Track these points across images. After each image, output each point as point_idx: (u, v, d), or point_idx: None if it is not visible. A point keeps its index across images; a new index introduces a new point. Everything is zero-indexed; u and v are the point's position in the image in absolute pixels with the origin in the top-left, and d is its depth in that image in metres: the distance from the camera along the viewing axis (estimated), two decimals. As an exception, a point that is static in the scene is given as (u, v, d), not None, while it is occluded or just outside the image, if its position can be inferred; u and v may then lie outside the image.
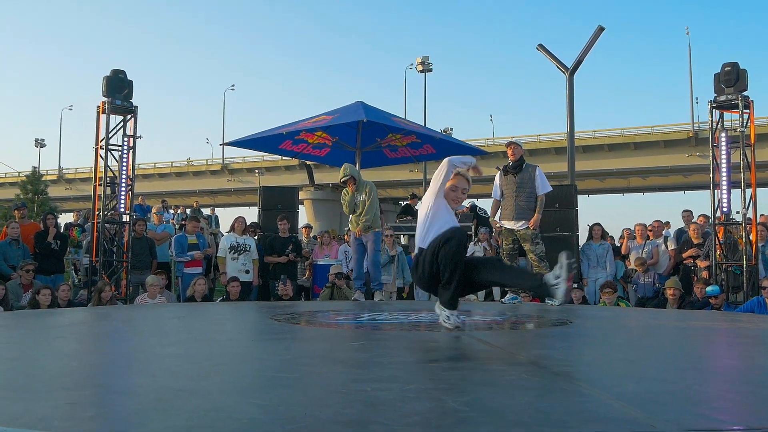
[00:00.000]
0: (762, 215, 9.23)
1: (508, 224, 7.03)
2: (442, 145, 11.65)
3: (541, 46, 14.26)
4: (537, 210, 6.94)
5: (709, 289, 7.74)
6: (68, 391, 2.19)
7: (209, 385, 2.33)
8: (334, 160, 12.86)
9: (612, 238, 11.23)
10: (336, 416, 1.86)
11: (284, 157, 19.04)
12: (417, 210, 12.67)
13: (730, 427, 1.79)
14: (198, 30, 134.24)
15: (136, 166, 9.43)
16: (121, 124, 9.00)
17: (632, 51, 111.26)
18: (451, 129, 42.18)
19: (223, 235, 11.39)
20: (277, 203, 10.69)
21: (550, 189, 7.11)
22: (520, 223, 6.98)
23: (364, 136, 11.06)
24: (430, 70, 39.75)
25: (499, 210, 7.20)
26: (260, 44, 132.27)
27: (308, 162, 38.54)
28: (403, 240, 12.02)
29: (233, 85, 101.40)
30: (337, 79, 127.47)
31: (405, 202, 13.49)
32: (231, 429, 1.71)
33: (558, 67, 13.90)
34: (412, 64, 42.00)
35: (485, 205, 12.63)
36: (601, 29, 13.56)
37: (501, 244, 7.28)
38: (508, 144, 7.35)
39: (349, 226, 7.95)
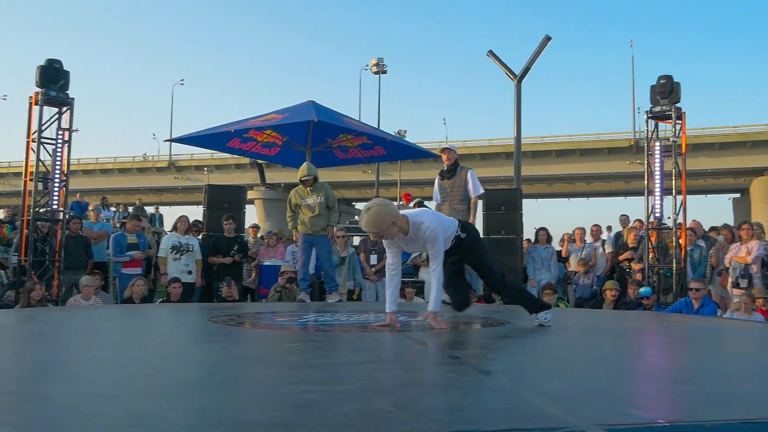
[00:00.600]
0: (693, 221, 9.62)
1: None
2: (393, 147, 11.68)
3: (491, 52, 14.45)
4: (471, 213, 7.04)
5: (641, 290, 8.05)
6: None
7: (133, 389, 2.27)
8: (283, 160, 12.75)
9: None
10: (261, 419, 1.84)
11: (235, 156, 18.79)
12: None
13: (642, 422, 1.84)
14: (146, 22, 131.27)
15: (76, 161, 9.16)
16: (56, 116, 8.69)
17: (580, 60, 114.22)
18: (405, 131, 42.32)
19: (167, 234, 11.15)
20: (224, 202, 10.50)
21: (482, 191, 7.24)
22: None
23: (315, 136, 11.00)
24: (385, 72, 39.89)
25: None
26: (212, 39, 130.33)
27: (259, 161, 38.18)
28: (355, 241, 12.03)
29: (182, 80, 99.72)
30: (291, 79, 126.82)
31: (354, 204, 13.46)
32: (148, 434, 1.67)
33: (507, 73, 14.12)
34: (367, 65, 42.09)
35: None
36: (548, 39, 13.83)
37: None
38: (443, 150, 7.49)
39: (296, 226, 7.88)
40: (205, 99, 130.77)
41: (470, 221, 6.98)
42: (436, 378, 2.56)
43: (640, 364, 3.28)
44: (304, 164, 7.75)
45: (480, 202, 7.73)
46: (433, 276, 4.05)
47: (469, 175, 7.21)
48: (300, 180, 7.68)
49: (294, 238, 7.85)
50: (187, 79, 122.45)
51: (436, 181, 7.50)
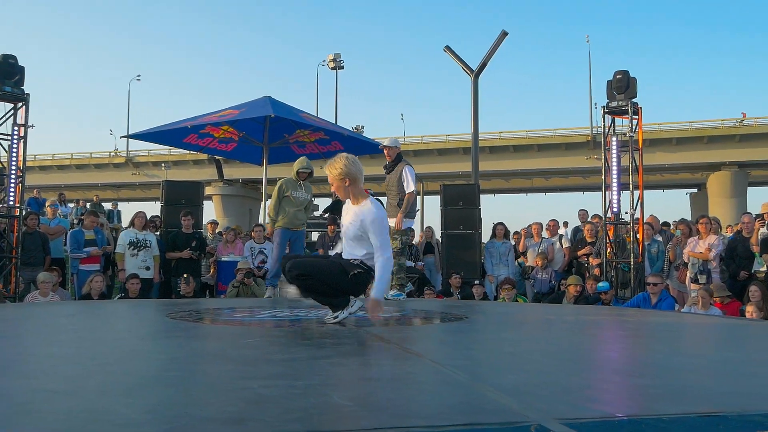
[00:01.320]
0: (650, 216, 9.82)
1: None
2: (350, 142, 11.68)
3: (447, 47, 14.51)
4: (401, 209, 7.02)
5: (599, 285, 8.18)
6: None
7: (88, 385, 2.24)
8: (240, 155, 12.64)
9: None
10: (216, 414, 1.84)
11: (192, 152, 18.53)
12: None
13: (599, 415, 1.89)
14: (102, 17, 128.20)
15: (33, 156, 8.95)
16: (11, 112, 8.50)
17: (537, 56, 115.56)
18: (363, 126, 42.36)
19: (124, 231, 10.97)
20: (181, 198, 10.39)
21: (413, 189, 7.24)
22: (391, 221, 7.20)
23: (272, 132, 10.94)
24: (342, 67, 39.82)
25: None
26: (168, 35, 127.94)
27: (217, 156, 37.72)
28: (314, 237, 12.00)
29: (139, 76, 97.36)
30: (247, 74, 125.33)
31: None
32: (103, 431, 1.66)
33: (463, 68, 14.21)
34: (324, 61, 41.97)
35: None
36: (505, 34, 13.95)
37: None
38: (383, 146, 7.53)
39: (278, 220, 7.74)
40: (162, 95, 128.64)
41: (398, 217, 6.96)
42: (394, 373, 2.58)
43: (598, 358, 3.35)
44: (303, 157, 7.88)
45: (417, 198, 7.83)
46: (382, 265, 3.97)
47: (405, 170, 7.20)
48: (297, 171, 7.71)
49: (269, 233, 7.78)
50: (143, 75, 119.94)
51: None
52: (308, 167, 7.76)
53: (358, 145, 12.25)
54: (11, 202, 8.47)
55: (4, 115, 8.51)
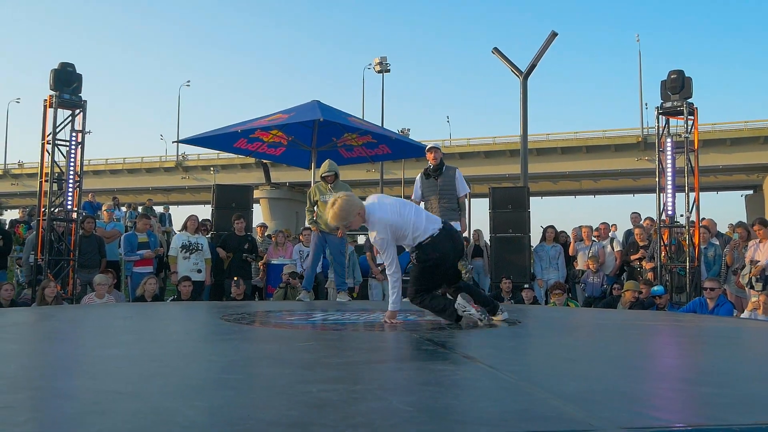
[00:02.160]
0: (704, 219, 9.54)
1: None
2: (397, 146, 11.69)
3: (496, 49, 14.41)
4: (462, 214, 7.10)
5: (654, 288, 7.96)
6: (2, 395, 2.12)
7: (151, 387, 2.29)
8: (289, 159, 12.79)
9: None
10: (279, 418, 1.85)
11: (240, 155, 18.83)
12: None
13: (664, 425, 1.83)
14: (153, 24, 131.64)
15: (87, 162, 9.21)
16: (69, 118, 8.77)
17: (586, 57, 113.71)
18: (408, 129, 42.28)
19: (175, 234, 11.21)
20: (231, 202, 10.56)
21: (468, 191, 7.28)
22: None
23: (320, 136, 11.02)
24: (388, 71, 39.90)
25: None
26: (217, 40, 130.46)
27: (264, 160, 38.24)
28: (360, 240, 12.04)
29: (189, 82, 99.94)
30: (294, 78, 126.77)
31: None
32: (170, 432, 1.69)
33: (512, 70, 14.08)
34: (370, 64, 42.09)
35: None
36: (555, 34, 13.79)
37: None
38: (429, 149, 7.50)
39: (311, 223, 7.83)
40: (211, 100, 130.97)
41: (462, 220, 7.03)
42: (452, 378, 2.56)
43: (659, 365, 3.25)
44: (326, 161, 7.78)
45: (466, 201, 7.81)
46: (390, 276, 4.31)
47: (457, 174, 7.29)
48: (321, 176, 7.70)
49: (314, 229, 7.83)
50: (193, 81, 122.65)
51: (419, 179, 7.57)
52: (331, 170, 7.62)
53: (405, 147, 12.26)
54: (69, 207, 8.73)
55: (62, 122, 8.77)
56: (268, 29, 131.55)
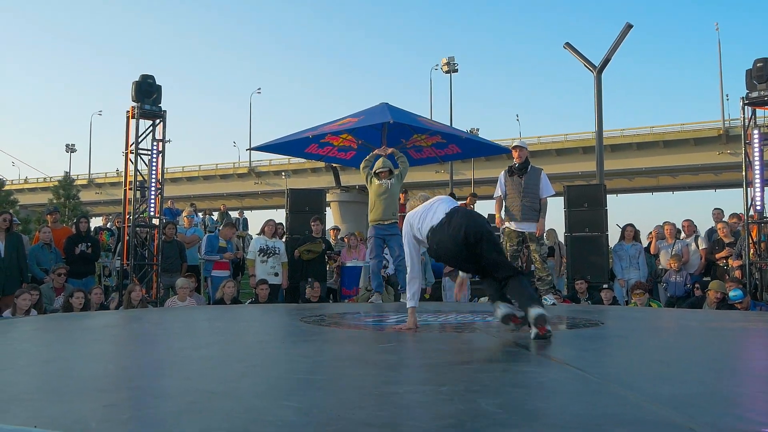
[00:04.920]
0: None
1: (514, 225, 7.10)
2: (467, 145, 11.59)
3: (568, 44, 14.11)
4: (542, 215, 7.00)
5: (731, 294, 7.59)
6: (103, 394, 2.22)
7: (242, 387, 2.35)
8: (359, 163, 12.87)
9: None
10: (369, 419, 1.87)
11: (310, 160, 19.13)
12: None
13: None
14: (224, 33, 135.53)
15: (165, 170, 9.54)
16: (150, 128, 9.12)
17: (660, 48, 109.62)
18: (478, 129, 42.00)
19: (252, 238, 11.50)
20: (305, 205, 10.72)
21: (553, 192, 7.15)
22: (527, 225, 7.06)
23: (389, 138, 11.03)
24: (456, 71, 39.74)
25: (502, 209, 7.28)
26: (286, 47, 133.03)
27: (334, 164, 38.75)
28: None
29: (259, 89, 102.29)
30: (362, 81, 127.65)
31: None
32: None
33: (585, 65, 13.74)
34: (437, 65, 42.06)
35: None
36: (630, 26, 13.38)
37: (505, 243, 7.28)
38: (514, 147, 7.37)
39: (369, 215, 7.66)
40: (281, 106, 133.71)
41: (541, 221, 6.98)
42: (539, 380, 2.51)
43: (756, 367, 3.11)
44: (380, 158, 7.71)
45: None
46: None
47: (542, 175, 7.19)
48: (375, 173, 7.61)
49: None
50: (263, 88, 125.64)
51: (503, 176, 7.47)
52: (386, 166, 7.50)
53: (475, 147, 12.14)
54: (152, 213, 9.08)
55: (144, 132, 9.13)
56: (336, 33, 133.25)
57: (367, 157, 7.66)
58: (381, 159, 7.59)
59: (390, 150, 7.78)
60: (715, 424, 1.78)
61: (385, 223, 7.39)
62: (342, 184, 49.59)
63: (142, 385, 2.43)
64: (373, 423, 1.81)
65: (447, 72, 39.32)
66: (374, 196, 7.44)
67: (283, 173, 51.79)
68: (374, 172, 7.52)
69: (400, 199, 9.80)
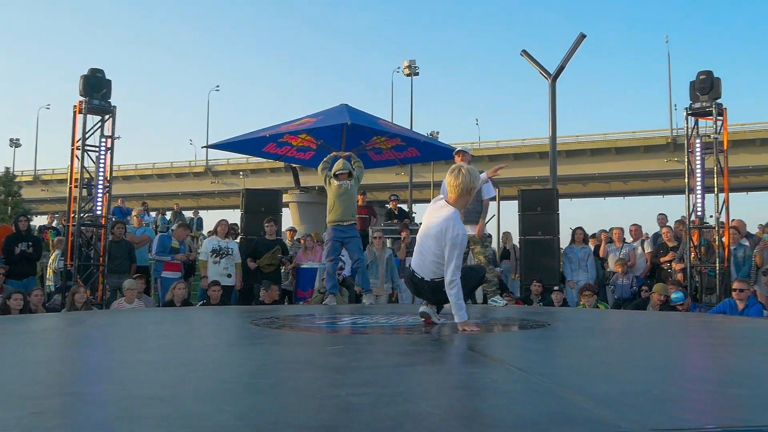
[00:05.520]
0: (734, 219, 9.40)
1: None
2: (426, 148, 11.67)
3: (524, 51, 14.32)
4: (482, 217, 7.03)
5: (673, 296, 7.85)
6: (31, 401, 2.14)
7: (182, 392, 2.30)
8: (318, 163, 12.79)
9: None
10: (308, 422, 1.85)
11: (269, 160, 18.99)
12: (397, 213, 12.70)
13: (694, 426, 1.81)
14: (182, 30, 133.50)
15: (116, 167, 9.36)
16: (99, 124, 8.90)
17: (614, 58, 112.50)
18: (438, 132, 42.25)
19: (205, 238, 11.34)
20: (261, 206, 10.62)
21: (494, 195, 7.20)
22: (469, 227, 7.13)
23: (349, 139, 11.03)
24: (417, 74, 39.90)
25: None
26: (246, 45, 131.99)
27: (293, 164, 38.47)
28: (389, 243, 12.01)
29: (218, 86, 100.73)
30: (323, 82, 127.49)
31: (387, 206, 13.49)
32: (200, 436, 1.69)
33: (541, 72, 13.98)
34: (399, 68, 42.16)
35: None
36: (583, 36, 13.67)
37: None
38: (458, 152, 7.44)
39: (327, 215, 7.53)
40: (240, 104, 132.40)
41: (480, 223, 6.98)
42: (481, 381, 2.54)
43: (689, 366, 3.21)
44: (339, 160, 7.67)
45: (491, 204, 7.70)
46: (453, 289, 4.05)
47: (483, 176, 7.22)
48: (334, 174, 7.55)
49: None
50: (222, 85, 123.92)
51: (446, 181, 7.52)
52: (345, 168, 7.43)
53: (434, 150, 12.23)
54: (98, 212, 8.85)
55: (92, 128, 8.90)
56: (297, 33, 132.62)
57: (325, 158, 7.61)
58: (340, 161, 7.55)
59: (347, 153, 7.74)
60: (643, 420, 1.83)
61: (344, 224, 7.32)
62: (301, 185, 49.32)
63: (74, 392, 2.35)
64: (311, 426, 1.80)
65: (408, 75, 39.47)
66: (333, 197, 7.37)
67: (241, 173, 51.21)
68: (333, 173, 7.46)
69: (358, 201, 9.78)
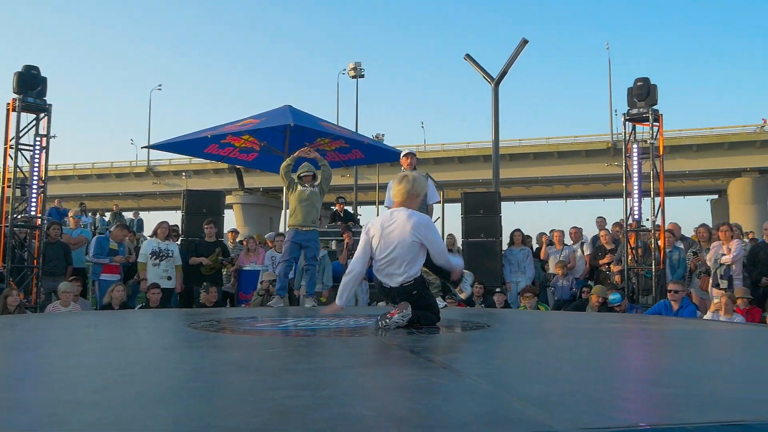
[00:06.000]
0: (669, 223, 9.75)
1: None
2: (371, 150, 11.72)
3: (468, 56, 14.51)
4: None
5: (611, 297, 8.09)
6: (-52, 410, 2.06)
7: (112, 396, 2.24)
8: (261, 165, 12.71)
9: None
10: (240, 425, 1.83)
11: (213, 161, 18.71)
12: (343, 215, 12.69)
13: (625, 425, 1.85)
14: (123, 28, 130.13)
15: (54, 167, 9.08)
16: (33, 123, 8.63)
17: (558, 63, 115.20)
18: (383, 135, 42.28)
19: (145, 240, 11.07)
20: (202, 207, 10.45)
21: (438, 199, 7.31)
22: None
23: (292, 141, 10.98)
24: (363, 76, 39.86)
25: None
26: (188, 44, 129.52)
27: (238, 166, 37.97)
28: (333, 245, 11.98)
29: (160, 86, 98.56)
30: (268, 84, 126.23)
31: (332, 208, 13.47)
32: (129, 442, 1.66)
33: (484, 77, 14.19)
34: (344, 69, 42.03)
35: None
36: (525, 42, 13.94)
37: None
38: (406, 154, 7.49)
39: (288, 219, 7.56)
40: (183, 104, 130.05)
41: None
42: (417, 383, 2.56)
43: (622, 366, 3.30)
44: (304, 163, 7.60)
45: (437, 207, 7.81)
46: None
47: (428, 182, 7.28)
48: (299, 177, 7.46)
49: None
50: (164, 85, 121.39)
51: (391, 185, 7.55)
52: (310, 170, 7.45)
53: (378, 153, 12.29)
54: (33, 213, 8.58)
55: (26, 126, 8.64)
56: (242, 34, 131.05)
57: (288, 161, 7.50)
58: (305, 163, 7.50)
59: (314, 154, 7.65)
60: (574, 420, 1.87)
61: (304, 229, 7.29)
62: (246, 186, 48.76)
63: (0, 397, 2.27)
64: (243, 430, 1.78)
65: (354, 77, 39.42)
66: (295, 202, 7.33)
67: (183, 173, 50.21)
68: (298, 175, 7.40)
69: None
